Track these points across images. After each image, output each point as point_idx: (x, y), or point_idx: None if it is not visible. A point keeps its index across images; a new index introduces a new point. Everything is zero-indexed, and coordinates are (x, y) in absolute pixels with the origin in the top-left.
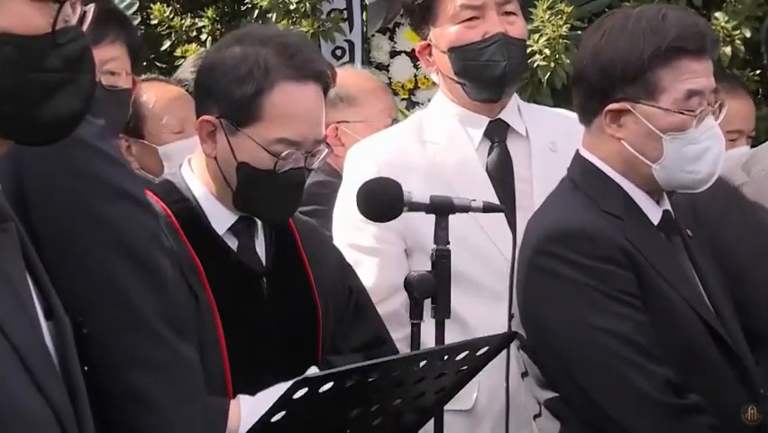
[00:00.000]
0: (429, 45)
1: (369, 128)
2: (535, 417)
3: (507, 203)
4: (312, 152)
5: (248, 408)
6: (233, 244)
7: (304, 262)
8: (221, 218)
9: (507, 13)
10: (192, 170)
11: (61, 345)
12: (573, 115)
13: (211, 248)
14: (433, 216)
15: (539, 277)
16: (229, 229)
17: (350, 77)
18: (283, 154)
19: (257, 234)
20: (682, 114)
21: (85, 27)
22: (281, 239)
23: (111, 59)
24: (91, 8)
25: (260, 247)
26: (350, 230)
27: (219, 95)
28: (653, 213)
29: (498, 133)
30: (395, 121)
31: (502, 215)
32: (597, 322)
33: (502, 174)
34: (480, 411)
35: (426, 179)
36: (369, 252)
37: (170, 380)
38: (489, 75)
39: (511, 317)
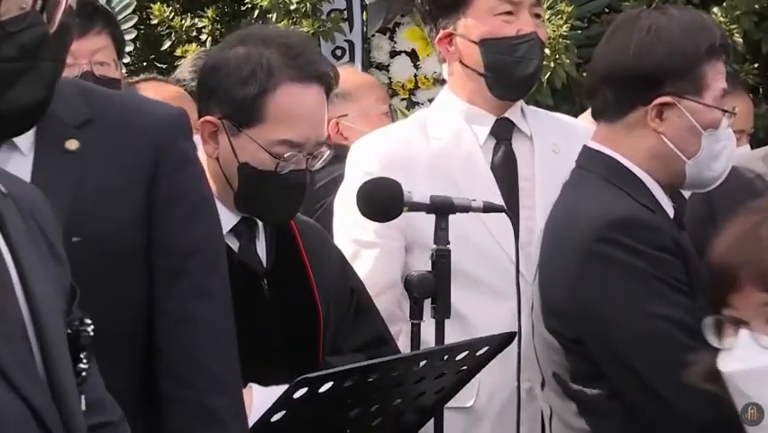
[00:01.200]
0: (451, 34)
1: (367, 119)
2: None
3: (510, 201)
4: (314, 153)
5: (259, 397)
6: (234, 244)
7: (305, 263)
8: (223, 219)
9: (537, 16)
10: None
11: (45, 345)
12: (571, 120)
13: None
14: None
15: (596, 265)
16: (231, 230)
17: (341, 73)
18: (285, 156)
19: (258, 234)
20: (724, 110)
21: (59, 14)
22: (282, 240)
23: (99, 50)
24: None
25: (261, 248)
26: (351, 225)
27: (222, 95)
28: (669, 209)
29: (503, 131)
30: (390, 109)
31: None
32: (658, 309)
33: (506, 173)
34: (480, 409)
35: (430, 172)
36: (367, 246)
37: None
38: (521, 72)
39: (520, 309)
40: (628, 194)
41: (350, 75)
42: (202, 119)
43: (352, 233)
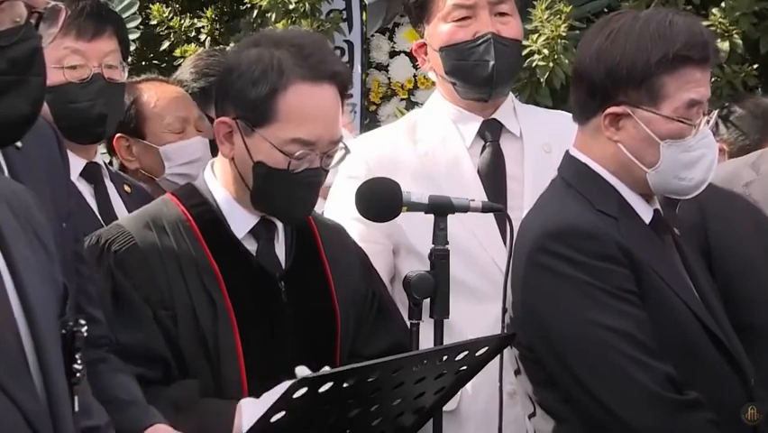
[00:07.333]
0: (425, 44)
1: None
2: (530, 416)
3: (498, 203)
4: (328, 152)
5: (248, 412)
6: (252, 246)
7: (324, 265)
8: (241, 221)
9: (501, 14)
10: (214, 174)
11: (40, 346)
12: (570, 116)
13: (230, 252)
14: (416, 214)
15: (538, 275)
16: (249, 232)
17: None
18: (297, 154)
19: (278, 236)
20: (682, 122)
21: (58, 26)
22: (302, 241)
23: (110, 53)
24: (62, 7)
25: (281, 249)
26: None
27: (235, 96)
28: (645, 213)
29: (491, 132)
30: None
31: (490, 215)
32: (597, 319)
33: (493, 174)
34: (463, 413)
35: (415, 177)
36: None
37: None
38: (478, 75)
39: (504, 311)
40: (589, 201)
41: None
42: (217, 120)
43: None
